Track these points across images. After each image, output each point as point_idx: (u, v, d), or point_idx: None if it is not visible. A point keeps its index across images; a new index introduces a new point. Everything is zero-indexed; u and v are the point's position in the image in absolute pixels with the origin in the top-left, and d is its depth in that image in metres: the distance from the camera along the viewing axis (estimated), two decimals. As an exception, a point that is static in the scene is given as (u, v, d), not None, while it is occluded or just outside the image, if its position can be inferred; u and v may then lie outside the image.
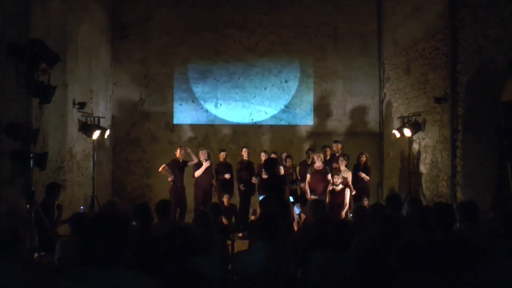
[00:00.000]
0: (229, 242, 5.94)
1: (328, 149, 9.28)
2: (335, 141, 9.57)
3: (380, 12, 11.33)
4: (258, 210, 5.44)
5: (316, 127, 11.35)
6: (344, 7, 11.37)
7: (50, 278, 3.14)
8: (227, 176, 8.94)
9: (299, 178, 8.92)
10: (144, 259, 3.71)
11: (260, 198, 5.98)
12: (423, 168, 8.90)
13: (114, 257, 1.90)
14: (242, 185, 9.00)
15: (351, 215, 6.98)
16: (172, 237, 2.90)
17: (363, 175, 8.69)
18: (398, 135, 9.09)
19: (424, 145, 8.88)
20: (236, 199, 9.15)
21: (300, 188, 8.77)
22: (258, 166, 8.85)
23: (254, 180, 8.82)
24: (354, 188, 8.39)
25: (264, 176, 7.04)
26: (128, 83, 11.14)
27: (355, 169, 8.85)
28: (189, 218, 8.64)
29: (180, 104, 11.24)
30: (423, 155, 8.92)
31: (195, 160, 8.99)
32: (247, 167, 9.13)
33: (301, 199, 8.63)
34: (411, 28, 9.45)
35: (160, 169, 8.96)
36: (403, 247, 2.66)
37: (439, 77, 8.22)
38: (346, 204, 7.73)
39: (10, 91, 5.42)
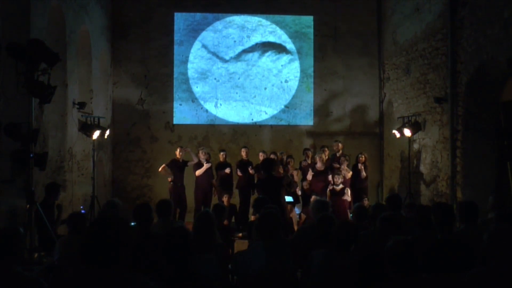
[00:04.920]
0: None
1: (326, 149, 9.28)
2: (336, 141, 9.59)
3: (380, 12, 11.34)
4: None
5: (316, 127, 11.36)
6: (344, 7, 11.37)
7: (50, 278, 3.15)
8: (227, 171, 8.93)
9: (295, 181, 8.90)
10: (144, 259, 3.71)
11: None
12: (423, 168, 8.90)
13: (114, 258, 1.90)
14: (239, 170, 9.01)
15: (351, 215, 6.98)
16: (172, 237, 2.89)
17: (361, 166, 8.76)
18: (398, 135, 9.09)
19: (424, 145, 8.88)
20: (236, 199, 9.15)
21: (302, 187, 8.74)
22: (257, 166, 8.85)
23: (251, 170, 8.82)
24: (353, 188, 8.41)
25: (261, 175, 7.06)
26: (128, 83, 11.14)
27: (354, 168, 8.89)
28: (189, 218, 8.65)
29: (180, 104, 11.24)
30: (423, 155, 8.92)
31: (195, 160, 8.99)
32: (246, 167, 9.12)
33: (302, 199, 8.62)
34: (411, 28, 9.45)
35: (160, 169, 8.97)
36: (393, 247, 2.67)
37: (439, 77, 8.22)
38: (350, 201, 7.78)
39: (10, 91, 5.41)
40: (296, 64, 11.42)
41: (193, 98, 11.27)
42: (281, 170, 8.12)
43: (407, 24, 9.71)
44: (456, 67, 7.66)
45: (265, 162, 6.96)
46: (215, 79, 11.31)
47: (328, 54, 11.43)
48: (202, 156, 8.96)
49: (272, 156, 8.82)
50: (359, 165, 8.93)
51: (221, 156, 9.26)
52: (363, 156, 9.03)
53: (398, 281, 2.64)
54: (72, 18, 8.04)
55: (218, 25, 11.35)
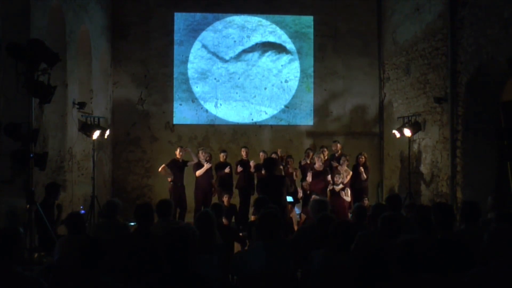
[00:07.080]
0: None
1: (325, 149, 9.27)
2: (335, 141, 9.58)
3: (380, 12, 11.34)
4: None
5: (316, 127, 11.36)
6: (344, 7, 11.37)
7: (50, 278, 3.15)
8: (227, 170, 8.91)
9: (294, 179, 8.88)
10: (144, 259, 3.71)
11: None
12: (423, 168, 8.90)
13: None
14: (239, 166, 9.00)
15: (351, 215, 6.99)
16: (172, 237, 2.89)
17: (362, 169, 8.74)
18: (398, 135, 9.08)
19: (424, 145, 8.88)
20: (236, 199, 9.14)
21: (302, 187, 8.74)
22: (258, 165, 8.84)
23: (252, 164, 8.81)
24: (353, 188, 8.41)
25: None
26: (128, 83, 11.14)
27: (354, 169, 8.88)
28: (189, 218, 8.64)
29: (180, 104, 11.24)
30: (423, 155, 8.92)
31: (195, 160, 8.99)
32: (246, 167, 9.11)
33: (302, 199, 8.62)
34: (411, 28, 9.45)
35: (160, 169, 8.96)
36: (402, 247, 2.66)
37: (439, 77, 8.22)
38: (350, 201, 7.79)
39: (10, 91, 5.42)
40: (296, 64, 11.42)
41: (193, 98, 11.27)
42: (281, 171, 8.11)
43: (407, 24, 9.71)
44: (456, 67, 7.66)
45: (267, 161, 6.95)
46: (215, 79, 11.31)
47: (328, 54, 11.43)
48: (202, 156, 8.95)
49: (273, 155, 8.81)
50: (360, 166, 8.91)
51: (222, 156, 9.24)
52: (363, 157, 8.99)
53: (399, 281, 2.64)
54: (72, 18, 8.04)
55: (218, 25, 11.35)
